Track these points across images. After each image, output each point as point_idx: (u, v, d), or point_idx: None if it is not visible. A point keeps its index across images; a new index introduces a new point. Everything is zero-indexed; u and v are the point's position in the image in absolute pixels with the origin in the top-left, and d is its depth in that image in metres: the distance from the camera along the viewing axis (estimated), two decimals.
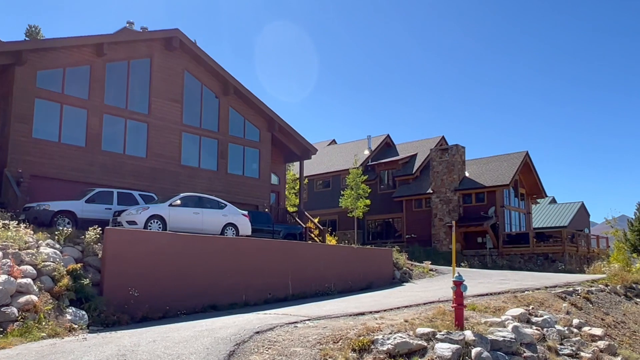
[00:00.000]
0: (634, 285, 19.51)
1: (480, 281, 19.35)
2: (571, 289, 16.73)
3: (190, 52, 24.29)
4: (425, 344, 9.39)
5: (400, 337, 9.41)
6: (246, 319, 11.67)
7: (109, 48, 21.37)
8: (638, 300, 18.45)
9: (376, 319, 11.16)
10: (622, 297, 18.19)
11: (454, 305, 10.44)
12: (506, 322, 11.38)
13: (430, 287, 18.66)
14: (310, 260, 17.38)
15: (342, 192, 31.47)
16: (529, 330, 11.30)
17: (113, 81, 21.87)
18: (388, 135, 40.44)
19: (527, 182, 33.68)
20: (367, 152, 38.57)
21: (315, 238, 27.66)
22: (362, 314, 12.26)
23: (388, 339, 9.39)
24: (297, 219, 28.00)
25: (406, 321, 10.75)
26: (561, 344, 11.90)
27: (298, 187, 36.29)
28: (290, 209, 35.17)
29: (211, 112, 25.26)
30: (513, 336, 10.34)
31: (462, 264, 27.08)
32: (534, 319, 12.52)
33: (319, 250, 18.31)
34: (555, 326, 12.46)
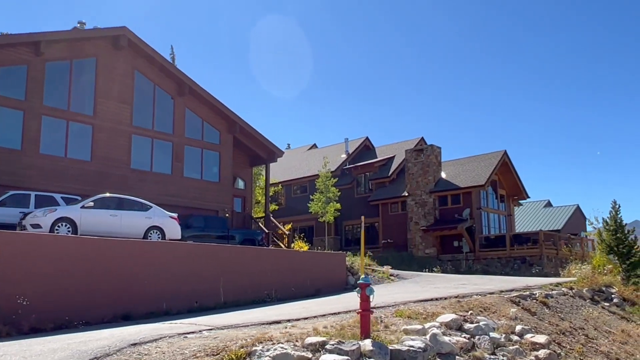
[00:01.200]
0: (603, 289, 18.17)
1: (437, 286, 18.05)
2: (528, 292, 15.44)
3: (141, 51, 23.26)
4: (310, 355, 8.15)
5: (282, 348, 8.18)
6: (140, 329, 10.44)
7: (47, 47, 20.36)
8: (606, 304, 17.11)
9: (286, 328, 9.97)
10: (587, 301, 16.85)
11: (359, 311, 9.23)
12: (429, 330, 10.15)
13: (381, 292, 17.36)
14: (248, 265, 16.17)
15: (310, 197, 30.24)
16: (451, 339, 10.07)
17: (54, 81, 20.85)
18: (367, 138, 39.25)
19: (507, 183, 32.30)
20: (344, 156, 37.40)
21: (281, 244, 26.49)
22: (278, 322, 11.01)
23: (267, 350, 8.15)
24: (261, 225, 26.85)
25: (314, 329, 9.55)
26: (493, 354, 10.64)
27: (270, 191, 35.23)
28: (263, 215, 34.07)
29: (165, 113, 24.19)
30: (423, 345, 9.08)
31: (435, 269, 25.76)
32: (466, 326, 11.24)
33: (259, 255, 17.09)
34: (490, 333, 11.18)
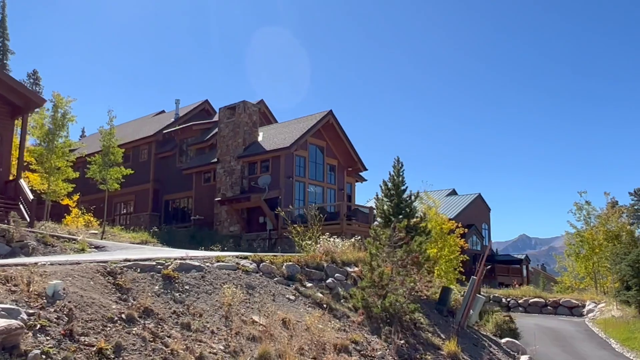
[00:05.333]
0: (324, 265, 13.32)
1: (93, 256, 12.90)
2: (162, 263, 10.50)
3: None
4: None
5: None
6: None
7: None
8: (308, 285, 12.20)
9: None
10: (275, 279, 11.93)
11: None
12: None
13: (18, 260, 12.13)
14: None
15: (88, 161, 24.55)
16: None
17: None
18: (207, 101, 33.85)
19: (339, 152, 27.29)
20: (172, 119, 32.03)
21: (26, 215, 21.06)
22: None
23: None
24: None
25: None
26: None
27: (74, 158, 29.73)
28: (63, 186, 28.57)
29: None
30: None
31: (214, 247, 20.67)
32: None
33: None
34: None
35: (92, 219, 26.54)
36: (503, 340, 14.08)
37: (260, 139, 26.41)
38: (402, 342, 11.23)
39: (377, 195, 17.24)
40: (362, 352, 10.24)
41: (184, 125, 29.96)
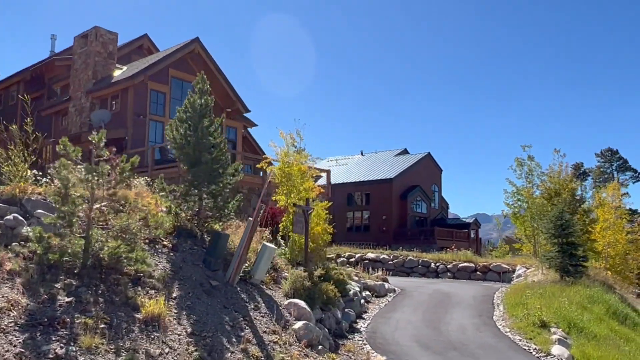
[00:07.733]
0: (23, 198, 9.88)
1: None
2: None
3: None
4: None
5: None
6: None
7: None
8: None
9: None
10: None
11: None
12: None
13: None
14: None
15: None
16: None
17: None
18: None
19: (215, 90, 23.28)
20: (46, 56, 28.28)
21: None
22: None
23: None
24: None
25: None
26: None
27: None
28: None
29: None
30: None
31: None
32: None
33: None
34: None
35: None
36: (285, 302, 10.68)
37: (118, 73, 22.65)
38: (67, 299, 7.82)
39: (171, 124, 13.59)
40: None
41: (46, 60, 26.12)
